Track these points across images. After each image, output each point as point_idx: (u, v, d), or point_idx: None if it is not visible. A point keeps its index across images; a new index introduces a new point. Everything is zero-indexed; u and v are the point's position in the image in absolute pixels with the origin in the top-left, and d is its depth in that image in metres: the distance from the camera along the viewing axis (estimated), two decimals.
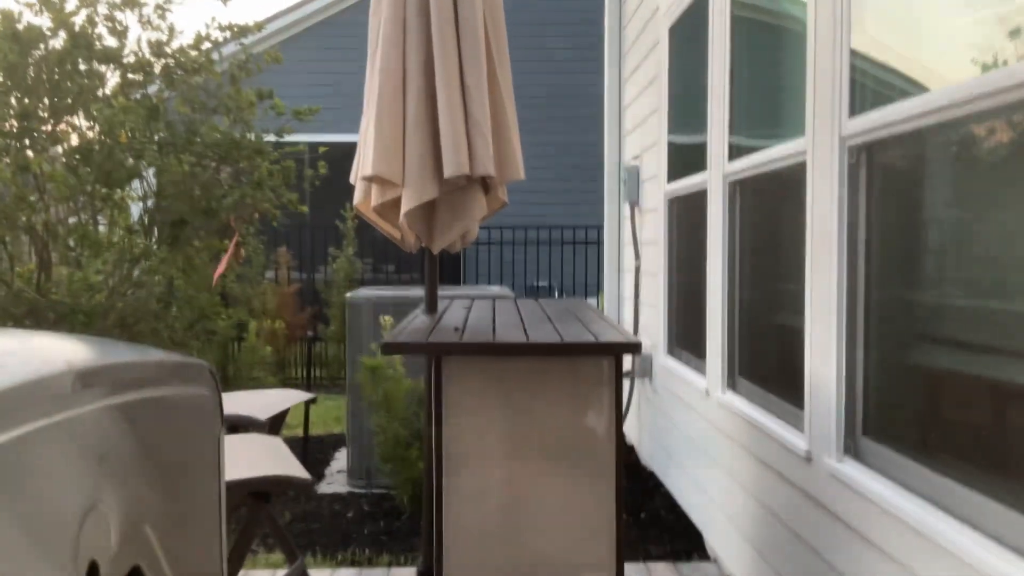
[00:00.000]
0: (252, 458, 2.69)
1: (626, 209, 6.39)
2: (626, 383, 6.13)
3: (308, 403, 4.97)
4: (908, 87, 2.37)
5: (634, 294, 6.15)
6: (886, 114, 2.34)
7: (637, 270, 6.06)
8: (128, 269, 5.49)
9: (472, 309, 3.26)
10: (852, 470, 2.54)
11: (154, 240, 5.82)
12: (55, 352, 1.26)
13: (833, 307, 2.66)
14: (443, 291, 5.75)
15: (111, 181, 5.26)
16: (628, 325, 6.37)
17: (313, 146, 6.91)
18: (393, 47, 2.86)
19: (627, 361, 6.25)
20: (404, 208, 2.81)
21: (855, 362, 2.62)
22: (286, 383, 7.74)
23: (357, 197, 3.02)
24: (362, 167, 2.86)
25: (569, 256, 11.14)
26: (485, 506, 2.52)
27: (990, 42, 1.95)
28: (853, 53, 2.58)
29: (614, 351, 2.35)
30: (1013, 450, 1.86)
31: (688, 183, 4.61)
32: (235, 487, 2.21)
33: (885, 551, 2.30)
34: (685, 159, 4.77)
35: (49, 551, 0.96)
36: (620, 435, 2.45)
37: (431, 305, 3.11)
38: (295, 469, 2.72)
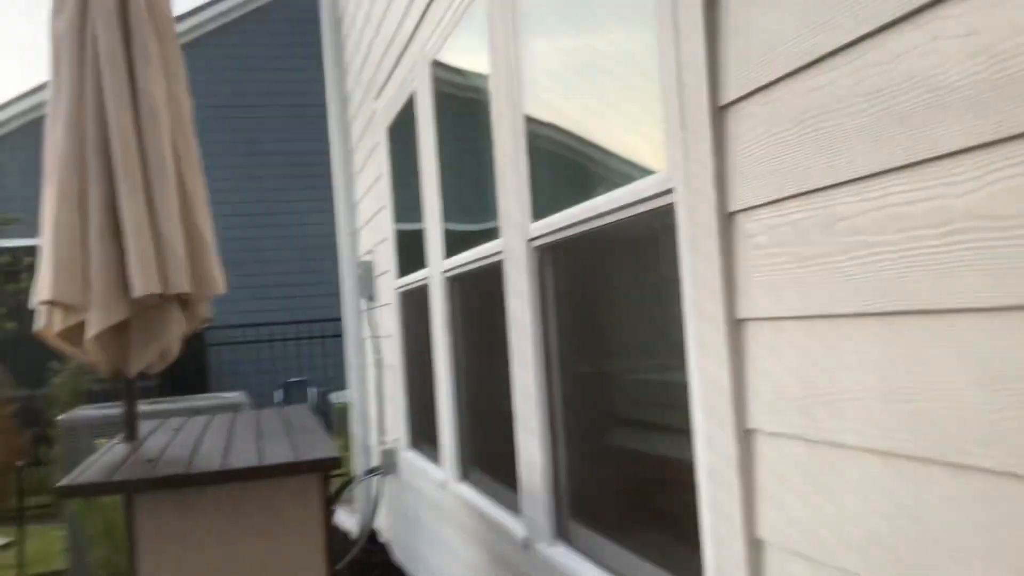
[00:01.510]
0: None
1: (364, 303, 6.39)
2: (375, 480, 6.04)
3: (19, 543, 4.46)
4: (582, 192, 2.57)
5: (377, 389, 6.12)
6: (553, 220, 2.52)
7: (378, 364, 6.05)
8: None
9: (181, 431, 3.09)
10: (562, 554, 2.62)
11: None
12: None
13: (533, 395, 2.78)
14: (174, 403, 5.42)
15: None
16: (374, 420, 6.31)
17: (25, 250, 6.38)
18: (71, 159, 2.71)
19: (375, 457, 6.17)
20: (91, 332, 2.64)
21: (557, 448, 2.73)
22: (2, 516, 6.93)
23: (38, 323, 2.79)
24: (40, 291, 2.66)
25: (322, 350, 10.94)
26: None
27: (636, 160, 2.16)
28: (534, 154, 2.76)
29: (313, 468, 2.31)
30: (683, 520, 2.01)
31: (414, 278, 4.69)
32: None
33: None
34: (411, 255, 4.86)
35: None
36: (330, 552, 2.38)
37: (130, 432, 2.92)
38: None
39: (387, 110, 5.04)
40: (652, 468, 2.20)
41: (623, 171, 2.23)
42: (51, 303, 2.65)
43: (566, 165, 2.67)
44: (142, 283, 2.63)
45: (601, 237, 2.37)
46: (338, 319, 10.57)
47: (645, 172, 2.04)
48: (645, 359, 2.23)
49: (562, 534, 2.70)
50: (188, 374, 10.67)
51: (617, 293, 2.39)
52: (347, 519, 6.76)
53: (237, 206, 11.40)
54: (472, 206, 3.70)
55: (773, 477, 1.56)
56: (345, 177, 6.85)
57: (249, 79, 11.86)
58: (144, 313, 2.74)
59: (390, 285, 5.39)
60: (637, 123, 2.10)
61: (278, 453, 2.43)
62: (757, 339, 1.58)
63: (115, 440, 2.96)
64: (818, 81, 1.39)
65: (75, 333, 2.75)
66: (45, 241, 2.69)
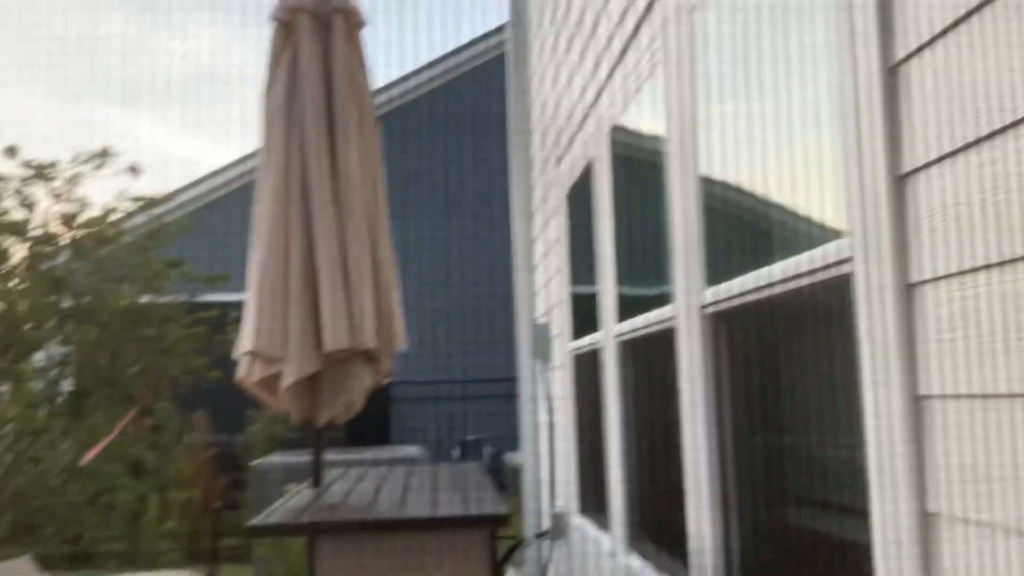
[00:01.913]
0: None
1: (539, 364, 6.48)
2: (545, 544, 6.04)
3: None
4: (756, 259, 2.54)
5: (549, 451, 6.15)
6: (726, 288, 2.49)
7: (551, 426, 6.10)
8: (27, 444, 5.33)
9: (363, 480, 3.24)
10: None
11: (55, 412, 5.69)
12: None
13: (704, 467, 2.73)
14: (357, 454, 5.68)
15: (12, 354, 5.18)
16: (545, 483, 6.34)
17: (232, 305, 6.90)
18: (277, 222, 2.96)
19: (546, 520, 6.18)
20: (285, 382, 2.84)
21: (728, 522, 2.66)
22: (195, 556, 7.43)
23: (240, 371, 3.03)
24: (243, 342, 2.90)
25: (499, 408, 11.11)
26: None
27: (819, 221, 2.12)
28: (709, 220, 2.76)
29: (482, 524, 2.36)
30: None
31: (588, 341, 4.73)
32: None
33: None
34: (585, 318, 4.91)
35: None
36: None
37: (316, 479, 3.09)
38: None
39: (567, 176, 5.17)
40: (826, 548, 2.11)
41: (798, 239, 2.19)
42: (253, 354, 2.87)
43: (740, 232, 2.65)
44: (333, 338, 2.81)
45: (776, 305, 2.33)
46: (514, 379, 10.77)
47: (821, 240, 2.00)
48: (820, 434, 2.16)
49: None
50: (371, 426, 11.12)
51: (792, 364, 2.33)
52: None
53: (421, 266, 11.92)
54: (646, 271, 3.71)
55: (955, 568, 1.46)
56: (524, 240, 7.03)
57: (436, 147, 12.48)
58: (334, 367, 2.92)
59: (564, 347, 5.45)
60: (814, 190, 2.07)
61: (450, 507, 2.51)
62: (939, 417, 1.50)
63: (302, 485, 3.15)
64: (997, 153, 1.33)
65: (271, 383, 2.96)
66: (250, 297, 2.93)
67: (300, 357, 2.84)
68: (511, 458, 10.44)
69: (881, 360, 1.64)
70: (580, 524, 5.02)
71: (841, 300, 1.94)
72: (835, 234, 1.92)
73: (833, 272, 1.91)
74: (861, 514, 1.81)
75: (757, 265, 2.42)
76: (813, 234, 2.08)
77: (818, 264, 1.98)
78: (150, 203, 5.87)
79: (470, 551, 2.41)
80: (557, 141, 5.48)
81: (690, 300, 2.84)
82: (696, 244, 2.79)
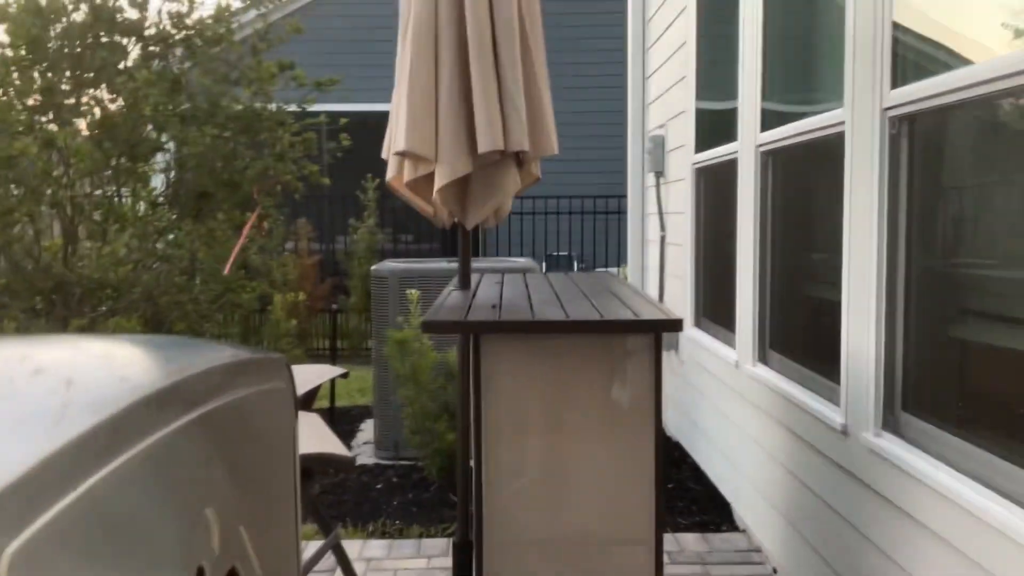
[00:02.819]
0: None
1: (650, 179, 6.34)
2: None
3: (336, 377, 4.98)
4: (953, 57, 2.33)
5: (659, 266, 6.12)
6: (931, 85, 2.30)
7: (662, 241, 6.03)
8: (153, 242, 5.50)
9: (505, 284, 3.25)
10: (890, 444, 2.53)
11: (177, 213, 5.82)
12: (160, 364, 1.26)
13: (872, 281, 2.64)
14: (473, 262, 5.72)
15: (135, 154, 5.25)
16: (652, 297, 6.35)
17: (335, 115, 6.84)
18: (425, 21, 2.82)
19: None
20: (437, 184, 2.79)
21: (894, 336, 2.60)
22: (310, 355, 7.77)
23: (390, 172, 3.00)
24: (394, 142, 2.83)
25: (590, 226, 11.07)
26: (524, 480, 2.52)
27: None
28: (896, 24, 2.53)
29: (655, 328, 2.34)
30: None
31: (717, 153, 4.56)
32: None
33: (925, 525, 2.30)
34: (714, 129, 4.72)
35: (165, 561, 0.97)
36: (659, 412, 2.44)
37: (465, 281, 3.10)
38: (336, 447, 2.74)
39: None
40: (1011, 370, 2.03)
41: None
42: (404, 154, 2.82)
43: (941, 24, 2.43)
44: (487, 140, 2.72)
45: (979, 108, 2.15)
46: (601, 197, 10.61)
47: None
48: (1017, 255, 2.03)
49: (891, 424, 2.60)
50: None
51: (1007, 175, 2.17)
52: None
53: None
54: (805, 72, 3.49)
55: None
56: (637, 50, 6.72)
57: None
58: (484, 169, 2.85)
59: (684, 160, 5.29)
60: None
61: (615, 311, 2.49)
62: None
63: (449, 287, 3.17)
64: None
65: (421, 185, 2.91)
66: (400, 98, 2.84)
67: (452, 158, 2.77)
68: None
69: None
70: (694, 336, 5.04)
71: None
72: None
73: None
74: None
75: (959, 64, 2.22)
76: None
77: None
78: (258, 1, 5.71)
79: (637, 354, 2.40)
80: None
81: (866, 102, 2.66)
82: (881, 37, 2.57)
